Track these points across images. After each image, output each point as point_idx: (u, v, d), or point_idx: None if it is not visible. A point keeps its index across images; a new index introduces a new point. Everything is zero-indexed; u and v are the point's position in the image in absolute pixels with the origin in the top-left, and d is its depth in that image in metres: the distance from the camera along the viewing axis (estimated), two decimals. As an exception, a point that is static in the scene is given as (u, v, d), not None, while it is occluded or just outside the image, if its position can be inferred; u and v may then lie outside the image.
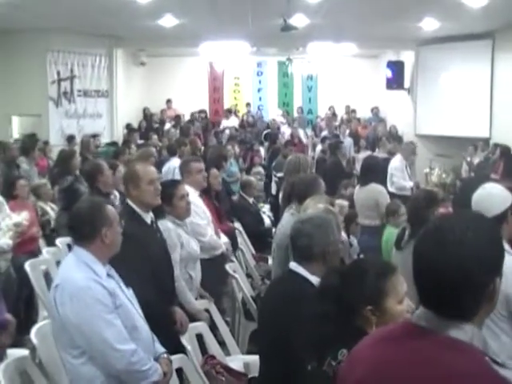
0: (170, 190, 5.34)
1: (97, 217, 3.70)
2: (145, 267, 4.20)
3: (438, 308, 1.81)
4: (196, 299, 5.45)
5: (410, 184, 10.69)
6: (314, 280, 3.47)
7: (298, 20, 12.95)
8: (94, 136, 15.47)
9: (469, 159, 14.46)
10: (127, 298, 3.75)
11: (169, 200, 5.28)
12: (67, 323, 3.53)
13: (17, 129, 16.17)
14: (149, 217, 4.75)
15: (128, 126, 18.44)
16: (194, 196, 5.98)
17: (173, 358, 4.11)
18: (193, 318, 5.03)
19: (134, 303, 3.81)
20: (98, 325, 3.50)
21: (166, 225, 5.13)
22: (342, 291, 2.72)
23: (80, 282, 3.55)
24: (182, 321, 4.66)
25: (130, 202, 4.76)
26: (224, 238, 6.61)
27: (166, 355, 3.93)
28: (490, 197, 3.82)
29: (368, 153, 14.55)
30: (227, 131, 18.22)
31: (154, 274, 4.40)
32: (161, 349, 3.94)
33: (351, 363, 1.98)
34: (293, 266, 3.67)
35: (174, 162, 10.35)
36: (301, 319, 2.90)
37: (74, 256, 3.74)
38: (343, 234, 5.91)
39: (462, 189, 6.23)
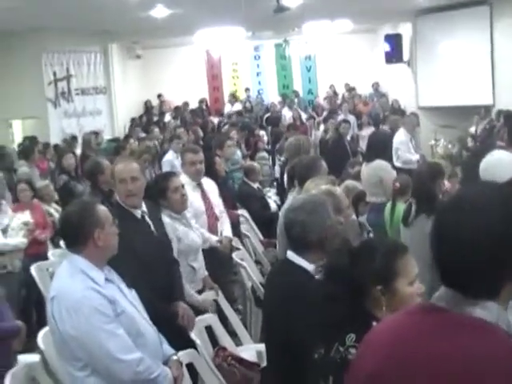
0: (163, 183, 5.25)
1: (87, 220, 3.51)
2: (132, 264, 4.01)
3: (459, 285, 1.69)
4: (202, 290, 5.37)
5: (415, 157, 10.57)
6: (312, 269, 3.34)
7: (291, 0, 12.79)
8: (96, 133, 15.42)
9: (473, 129, 14.29)
10: (129, 301, 3.60)
11: (163, 193, 5.18)
12: (67, 337, 3.38)
13: (20, 133, 16.10)
14: (139, 212, 4.64)
15: (133, 120, 18.39)
16: (186, 187, 5.85)
17: (182, 353, 4.02)
18: (201, 311, 4.96)
19: (136, 306, 3.66)
20: (99, 336, 3.35)
21: (164, 219, 5.02)
22: (350, 271, 2.60)
23: (75, 292, 3.39)
24: (185, 315, 4.51)
25: (117, 199, 4.68)
26: (213, 238, 6.37)
27: (175, 357, 3.79)
28: (500, 162, 3.73)
29: (371, 129, 14.40)
30: (234, 117, 18.09)
31: (145, 269, 4.23)
32: (170, 350, 3.79)
33: (366, 350, 1.85)
34: (290, 255, 3.51)
35: (169, 155, 10.38)
36: (302, 309, 2.79)
37: (68, 264, 3.57)
38: (353, 214, 5.81)
39: (470, 159, 6.11)
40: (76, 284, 3.43)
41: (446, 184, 5.73)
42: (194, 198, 6.13)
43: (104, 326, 3.37)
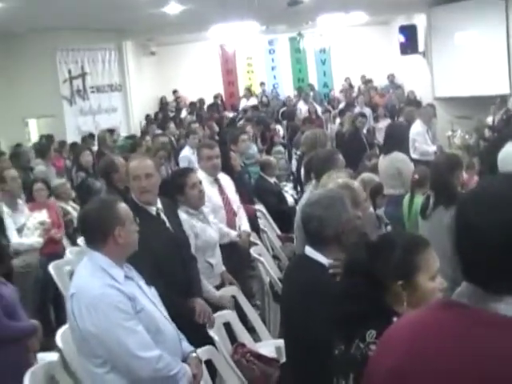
0: (180, 179, 5.23)
1: (108, 217, 3.50)
2: (147, 261, 3.97)
3: (481, 280, 1.63)
4: (220, 285, 5.36)
5: (432, 148, 10.46)
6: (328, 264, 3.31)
7: (305, -7, 12.77)
8: (112, 131, 15.47)
9: (490, 119, 14.16)
10: (149, 299, 3.59)
11: (180, 189, 5.16)
12: (87, 334, 3.38)
13: (36, 131, 16.17)
14: (154, 209, 4.63)
15: (147, 117, 18.42)
16: (204, 183, 5.85)
17: (201, 350, 4.00)
18: (220, 307, 4.94)
19: (156, 303, 3.64)
20: (119, 334, 3.35)
21: (181, 215, 5.01)
22: (370, 266, 2.54)
23: (95, 290, 3.38)
24: (202, 311, 4.48)
25: (133, 196, 4.68)
26: (233, 232, 6.37)
27: (194, 354, 3.77)
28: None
29: (388, 121, 14.32)
30: (249, 113, 18.05)
31: (160, 266, 4.21)
32: (189, 347, 3.77)
33: (386, 345, 1.80)
34: (307, 250, 3.46)
35: (185, 151, 10.37)
36: (320, 305, 2.76)
37: (88, 261, 3.56)
38: (370, 207, 5.77)
39: (488, 149, 6.04)
40: (95, 281, 3.42)
41: (464, 175, 5.66)
42: (211, 193, 6.12)
43: (123, 323, 3.36)
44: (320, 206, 3.45)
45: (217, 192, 6.32)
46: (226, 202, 6.40)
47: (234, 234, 6.26)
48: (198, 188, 5.27)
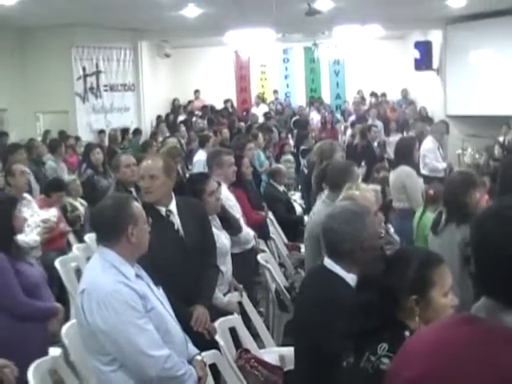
0: (199, 185, 5.22)
1: (122, 215, 3.49)
2: (146, 260, 3.80)
3: (498, 295, 1.65)
4: (229, 292, 5.35)
5: (443, 165, 10.47)
6: (350, 279, 3.27)
7: (323, 4, 12.78)
8: (125, 130, 15.52)
9: (501, 139, 14.15)
10: (158, 298, 3.58)
11: (199, 195, 5.14)
12: (96, 330, 3.36)
13: (48, 126, 16.19)
14: (163, 209, 4.61)
15: (158, 118, 18.45)
16: (224, 189, 5.87)
17: (205, 354, 3.99)
18: (226, 313, 4.93)
19: (164, 304, 3.64)
20: (129, 331, 3.33)
21: None
22: (384, 280, 2.55)
23: (107, 286, 3.37)
24: (199, 320, 4.40)
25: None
26: (251, 232, 6.45)
27: (200, 357, 3.77)
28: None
29: (399, 135, 14.32)
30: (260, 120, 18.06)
31: (160, 267, 4.07)
32: (194, 350, 3.77)
33: (406, 358, 1.82)
34: (327, 262, 3.44)
35: (200, 155, 10.35)
36: (334, 316, 2.74)
37: (99, 258, 3.55)
38: (382, 221, 5.75)
39: (503, 169, 6.02)
40: (107, 278, 3.41)
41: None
42: (232, 199, 6.19)
43: (134, 321, 3.35)
44: (340, 219, 3.43)
45: (234, 199, 6.36)
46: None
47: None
48: (215, 195, 5.29)
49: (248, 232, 6.27)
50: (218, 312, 4.75)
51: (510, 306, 1.64)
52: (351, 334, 2.56)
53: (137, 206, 3.63)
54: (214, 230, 5.15)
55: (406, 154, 8.04)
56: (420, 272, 2.55)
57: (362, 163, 9.51)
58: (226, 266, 5.36)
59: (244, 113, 20.50)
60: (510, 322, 1.63)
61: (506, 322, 1.64)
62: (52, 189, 8.01)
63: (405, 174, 7.75)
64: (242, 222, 6.26)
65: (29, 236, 7.05)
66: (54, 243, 7.42)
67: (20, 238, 6.96)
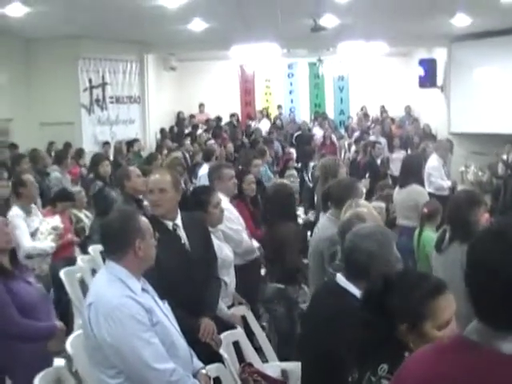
0: (204, 197, 5.26)
1: (129, 229, 3.52)
2: (152, 273, 3.83)
3: (490, 318, 1.67)
4: (232, 305, 5.37)
5: (447, 183, 10.47)
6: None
7: (328, 20, 12.85)
8: (129, 143, 15.51)
9: (505, 157, 14.17)
10: (163, 312, 3.61)
11: (204, 207, 5.18)
12: (103, 343, 3.39)
13: (53, 137, 16.22)
14: (170, 223, 4.64)
15: (162, 131, 18.49)
16: (226, 202, 5.90)
17: (209, 367, 4.01)
18: (230, 326, 4.94)
19: (169, 317, 3.66)
20: (135, 344, 3.36)
21: None
22: (385, 299, 2.54)
23: (114, 300, 3.40)
24: (206, 331, 4.41)
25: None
26: (255, 244, 6.49)
27: (204, 371, 3.79)
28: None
29: (402, 153, 14.35)
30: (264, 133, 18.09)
31: (166, 280, 4.12)
32: (199, 364, 3.79)
33: (401, 380, 1.85)
34: (339, 279, 3.40)
35: (206, 169, 10.35)
36: (342, 332, 2.74)
37: (106, 271, 3.59)
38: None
39: (506, 188, 6.05)
40: (114, 291, 3.44)
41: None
42: (234, 211, 6.23)
43: (140, 334, 3.38)
44: (373, 241, 3.33)
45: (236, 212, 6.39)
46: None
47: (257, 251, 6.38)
48: (219, 208, 5.33)
49: (250, 244, 6.28)
50: (222, 323, 4.76)
51: (501, 331, 1.66)
52: (356, 349, 2.58)
53: (144, 219, 3.65)
54: (217, 242, 5.19)
55: (414, 171, 8.06)
56: (415, 303, 2.52)
57: (366, 175, 9.52)
58: (230, 278, 5.39)
59: (247, 126, 20.55)
60: (500, 346, 1.65)
61: (496, 346, 1.65)
62: (59, 199, 8.02)
63: (417, 193, 7.78)
64: (245, 234, 6.29)
65: (44, 243, 7.10)
66: (63, 251, 7.47)
67: (36, 244, 7.06)
